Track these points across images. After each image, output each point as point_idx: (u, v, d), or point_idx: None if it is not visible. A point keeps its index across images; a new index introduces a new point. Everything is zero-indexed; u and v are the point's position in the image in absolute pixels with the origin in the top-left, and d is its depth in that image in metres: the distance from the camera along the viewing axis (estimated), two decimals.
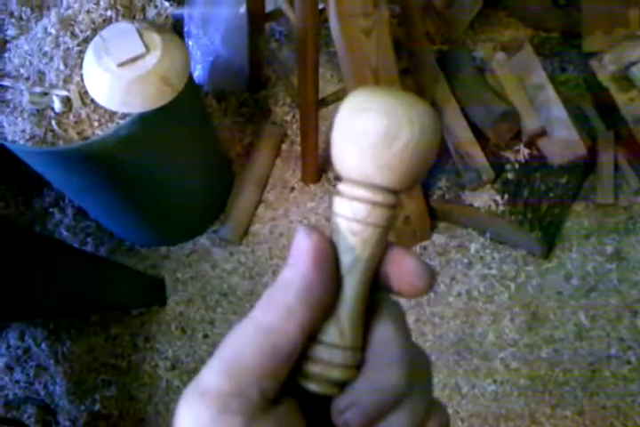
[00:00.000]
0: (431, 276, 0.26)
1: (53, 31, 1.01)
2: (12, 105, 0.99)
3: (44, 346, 1.40)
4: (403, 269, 0.26)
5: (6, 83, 1.00)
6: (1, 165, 1.41)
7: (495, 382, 1.28)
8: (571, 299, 1.33)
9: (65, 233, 1.49)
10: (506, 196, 1.31)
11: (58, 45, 1.01)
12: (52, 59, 1.00)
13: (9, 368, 1.40)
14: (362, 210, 0.25)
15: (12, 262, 0.94)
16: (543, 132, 1.34)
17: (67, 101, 0.98)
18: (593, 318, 1.31)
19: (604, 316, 1.31)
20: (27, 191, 1.53)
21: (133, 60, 0.94)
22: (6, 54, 1.03)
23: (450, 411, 1.27)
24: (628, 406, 1.23)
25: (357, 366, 0.26)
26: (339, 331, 0.26)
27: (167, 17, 1.06)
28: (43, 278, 1.01)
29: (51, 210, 1.51)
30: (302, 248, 0.25)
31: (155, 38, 0.96)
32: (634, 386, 1.25)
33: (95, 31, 1.00)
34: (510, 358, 1.29)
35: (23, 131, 0.96)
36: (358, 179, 0.25)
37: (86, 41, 1.00)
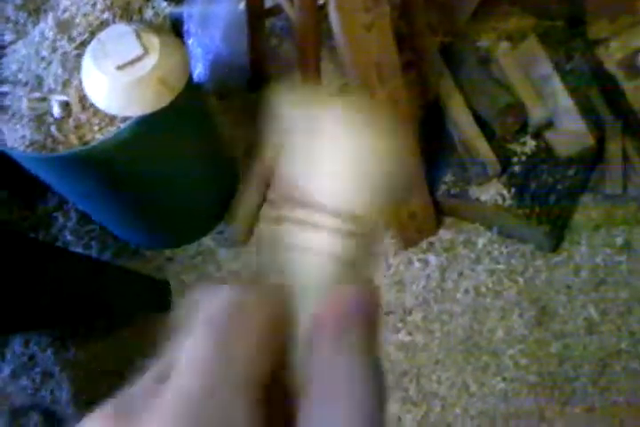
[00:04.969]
0: None
1: (51, 35, 1.00)
2: (10, 111, 0.98)
3: (49, 353, 1.40)
4: None
5: (5, 89, 0.99)
6: (3, 170, 1.40)
7: (504, 379, 1.27)
8: (580, 293, 1.32)
9: (69, 237, 1.48)
10: (513, 189, 1.29)
11: (55, 49, 1.00)
12: (49, 63, 0.99)
13: (15, 375, 1.39)
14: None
15: (15, 272, 0.93)
16: (550, 124, 1.32)
17: (66, 106, 0.97)
18: (603, 312, 1.30)
19: (615, 309, 1.30)
20: (30, 196, 1.53)
21: (132, 62, 0.93)
22: (4, 60, 1.02)
23: (458, 410, 1.26)
24: None
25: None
26: None
27: (165, 17, 1.04)
28: (47, 288, 1.00)
29: (54, 214, 1.51)
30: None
31: (153, 39, 0.95)
32: None
33: (93, 34, 0.99)
34: (519, 355, 1.28)
35: (23, 137, 0.95)
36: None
37: (84, 44, 0.99)
